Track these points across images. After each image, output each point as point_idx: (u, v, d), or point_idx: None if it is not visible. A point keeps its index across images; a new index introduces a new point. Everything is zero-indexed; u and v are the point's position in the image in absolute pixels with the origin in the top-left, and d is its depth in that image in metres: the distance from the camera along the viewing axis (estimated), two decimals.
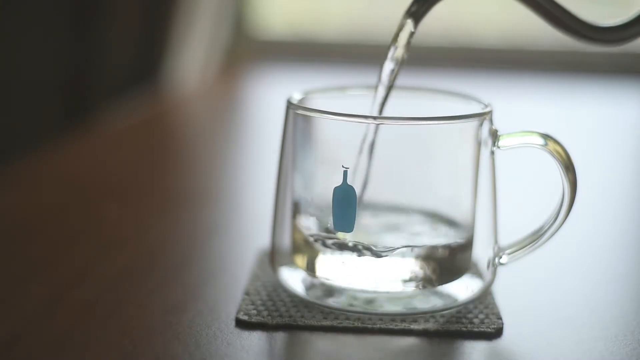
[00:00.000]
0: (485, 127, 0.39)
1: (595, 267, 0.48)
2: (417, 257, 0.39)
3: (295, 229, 0.41)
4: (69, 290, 0.43)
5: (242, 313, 0.39)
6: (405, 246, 0.39)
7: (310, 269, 0.40)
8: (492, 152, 0.40)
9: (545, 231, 0.40)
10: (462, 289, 0.40)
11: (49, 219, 0.54)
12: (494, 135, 0.39)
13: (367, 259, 0.39)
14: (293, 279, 0.41)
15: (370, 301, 0.39)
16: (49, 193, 0.61)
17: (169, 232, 0.53)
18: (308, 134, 0.40)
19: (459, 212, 0.40)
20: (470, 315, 0.39)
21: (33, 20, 0.95)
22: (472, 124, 0.39)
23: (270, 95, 1.10)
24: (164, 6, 1.11)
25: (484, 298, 0.41)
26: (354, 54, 1.36)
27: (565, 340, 0.38)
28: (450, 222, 0.40)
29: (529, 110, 1.00)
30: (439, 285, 0.40)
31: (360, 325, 0.38)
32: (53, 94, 1.02)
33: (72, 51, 1.03)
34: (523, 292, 0.43)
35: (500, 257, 0.41)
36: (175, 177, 0.69)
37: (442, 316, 0.39)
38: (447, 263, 0.40)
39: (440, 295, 0.40)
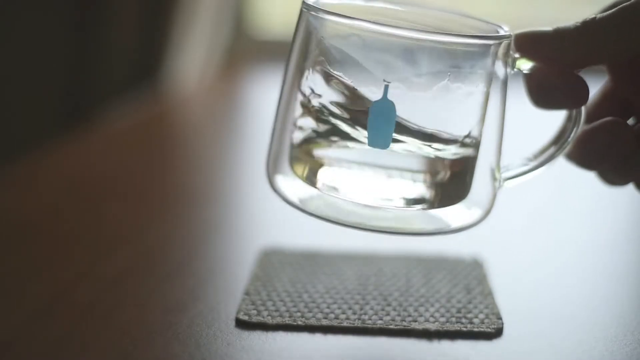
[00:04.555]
0: (504, 49, 0.38)
1: (595, 267, 0.48)
2: (421, 176, 0.38)
3: (296, 129, 0.39)
4: (69, 290, 0.43)
5: (242, 313, 0.39)
6: (411, 157, 0.37)
7: (310, 179, 0.39)
8: (506, 78, 0.38)
9: (556, 152, 0.39)
10: (464, 212, 0.39)
11: (48, 219, 0.54)
12: (512, 59, 0.38)
13: (372, 174, 0.38)
14: (289, 188, 0.39)
15: (369, 217, 0.38)
16: (49, 193, 0.61)
17: (169, 232, 0.53)
18: (326, 43, 0.37)
19: (465, 133, 0.38)
20: (470, 315, 0.39)
21: (33, 20, 0.95)
22: (494, 44, 0.37)
23: (270, 95, 1.09)
24: (163, 6, 1.11)
25: (484, 298, 0.41)
26: None
27: (565, 340, 0.38)
28: (456, 142, 0.38)
29: (528, 110, 1.00)
30: (441, 206, 0.38)
31: (360, 325, 0.38)
32: (53, 94, 1.02)
33: (73, 51, 1.03)
34: (523, 292, 0.43)
35: (503, 182, 0.40)
36: (175, 177, 0.69)
37: (442, 316, 0.39)
38: (451, 185, 0.38)
39: (442, 217, 0.39)
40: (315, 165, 0.39)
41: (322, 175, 0.38)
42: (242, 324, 0.39)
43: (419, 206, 0.38)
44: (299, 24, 0.39)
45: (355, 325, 0.38)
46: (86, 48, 1.04)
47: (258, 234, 0.51)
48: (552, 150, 0.40)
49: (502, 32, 0.38)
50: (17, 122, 0.96)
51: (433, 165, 0.38)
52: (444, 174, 0.38)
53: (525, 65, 0.38)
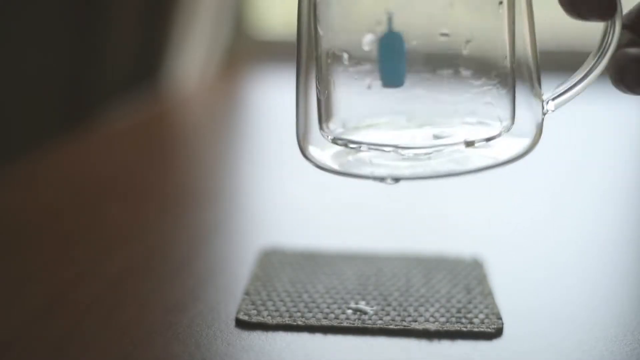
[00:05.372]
0: None
1: (595, 267, 0.48)
2: (459, 113, 0.36)
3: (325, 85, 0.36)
4: (69, 290, 0.43)
5: (242, 313, 0.39)
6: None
7: (345, 140, 0.36)
8: None
9: (594, 65, 0.37)
10: (510, 143, 0.37)
11: (48, 219, 0.54)
12: None
13: (406, 119, 0.35)
14: (325, 156, 0.37)
15: (415, 166, 0.35)
16: (49, 193, 0.61)
17: (169, 232, 0.53)
18: None
19: (497, 63, 0.36)
20: (470, 315, 0.39)
21: (33, 20, 0.95)
22: None
23: (270, 95, 1.10)
24: (163, 6, 1.11)
25: (484, 298, 0.41)
26: None
27: (565, 340, 0.38)
28: (488, 73, 0.36)
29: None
30: (482, 142, 0.36)
31: (360, 325, 0.38)
32: (53, 93, 1.02)
33: (72, 51, 1.03)
34: (523, 292, 0.43)
35: (547, 105, 0.37)
36: (175, 177, 0.69)
37: (442, 316, 0.39)
38: (493, 116, 0.36)
39: (490, 151, 0.36)
40: (348, 124, 0.36)
41: (356, 132, 0.36)
42: (242, 324, 0.39)
43: (463, 144, 0.36)
44: None
45: (355, 325, 0.38)
46: (86, 48, 1.05)
47: (258, 234, 0.51)
48: (591, 61, 0.37)
49: None
50: (17, 122, 0.96)
51: (471, 98, 0.36)
52: (484, 104, 0.36)
53: None
